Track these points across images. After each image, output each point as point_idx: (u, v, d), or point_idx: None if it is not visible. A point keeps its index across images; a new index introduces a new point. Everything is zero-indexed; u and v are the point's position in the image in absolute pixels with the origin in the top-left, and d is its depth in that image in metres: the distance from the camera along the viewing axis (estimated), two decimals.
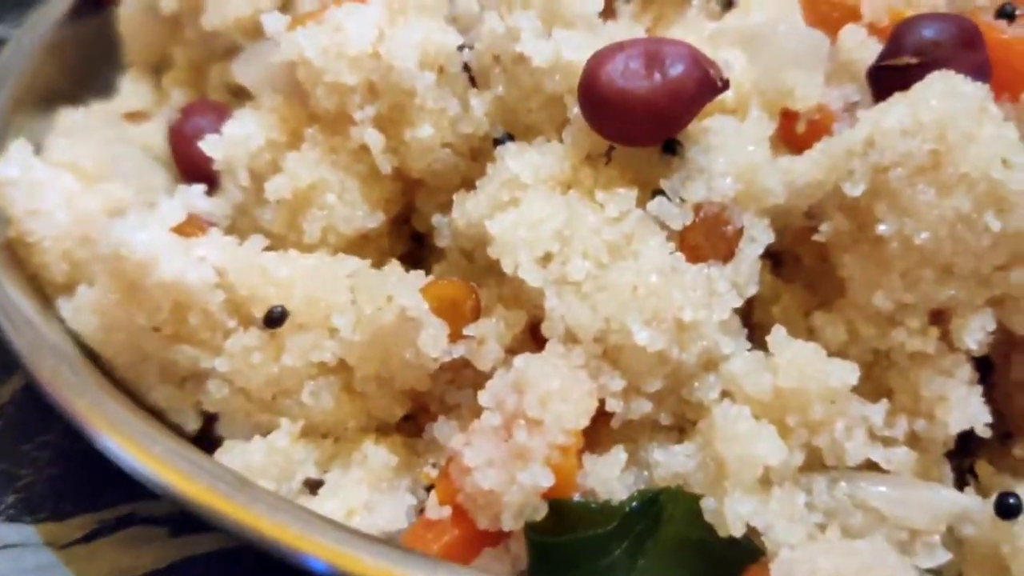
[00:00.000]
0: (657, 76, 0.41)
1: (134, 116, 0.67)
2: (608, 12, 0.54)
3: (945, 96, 0.41)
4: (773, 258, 0.50)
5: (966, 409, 0.43)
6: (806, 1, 0.52)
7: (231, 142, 0.49)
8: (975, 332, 0.42)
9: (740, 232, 0.43)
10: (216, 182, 0.53)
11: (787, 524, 0.40)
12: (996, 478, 0.46)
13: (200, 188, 0.49)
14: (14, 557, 0.48)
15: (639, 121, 0.41)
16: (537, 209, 0.42)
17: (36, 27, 0.74)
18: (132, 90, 0.72)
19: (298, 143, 0.50)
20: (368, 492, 0.44)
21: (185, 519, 0.48)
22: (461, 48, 0.49)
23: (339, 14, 0.49)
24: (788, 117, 0.48)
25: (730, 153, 0.43)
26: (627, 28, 0.50)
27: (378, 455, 0.46)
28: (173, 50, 0.69)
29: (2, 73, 0.70)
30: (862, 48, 0.49)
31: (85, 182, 0.52)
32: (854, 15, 0.51)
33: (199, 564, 0.48)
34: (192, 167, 0.53)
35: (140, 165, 0.56)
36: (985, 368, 0.49)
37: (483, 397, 0.41)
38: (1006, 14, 0.51)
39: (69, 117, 0.64)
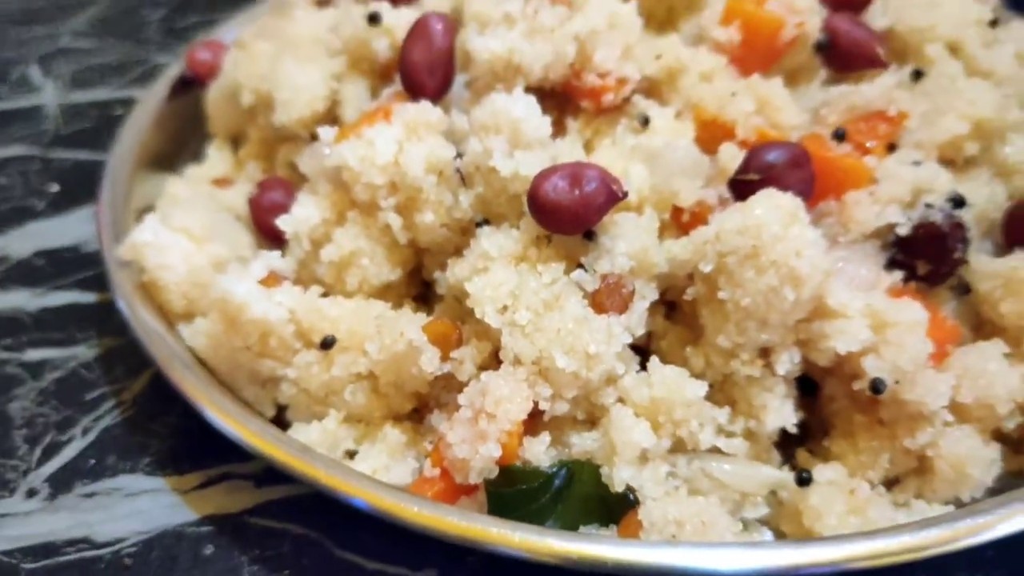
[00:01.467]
0: (577, 192, 0.59)
1: (220, 182, 0.85)
2: (560, 127, 0.74)
3: (766, 207, 0.59)
4: (669, 306, 0.70)
5: (780, 414, 0.60)
6: (699, 123, 0.70)
7: (297, 220, 0.68)
8: (785, 363, 0.60)
9: (633, 293, 0.62)
10: (284, 242, 0.73)
11: (653, 485, 0.58)
12: (810, 461, 0.65)
13: (277, 253, 0.68)
14: (153, 498, 0.66)
15: (565, 221, 0.60)
16: (499, 276, 0.60)
17: (146, 104, 0.93)
18: (216, 157, 0.90)
19: (343, 221, 0.68)
20: (387, 459, 0.62)
21: (265, 475, 0.67)
22: (455, 157, 0.67)
23: (371, 132, 0.67)
24: (678, 210, 0.67)
25: (629, 239, 0.61)
26: (570, 144, 0.68)
27: (394, 435, 0.64)
28: (248, 129, 0.87)
29: (127, 141, 0.88)
30: (733, 160, 0.67)
31: (196, 243, 0.71)
32: (732, 134, 0.69)
33: (275, 505, 0.65)
34: (268, 231, 0.72)
35: (231, 228, 0.74)
36: (814, 386, 0.69)
37: (461, 398, 0.59)
38: (838, 136, 0.70)
39: (175, 186, 0.82)
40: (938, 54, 0.76)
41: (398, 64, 0.72)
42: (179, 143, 0.93)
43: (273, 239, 0.73)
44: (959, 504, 0.62)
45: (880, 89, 0.70)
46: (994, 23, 0.80)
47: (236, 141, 0.91)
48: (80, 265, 0.86)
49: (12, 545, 0.64)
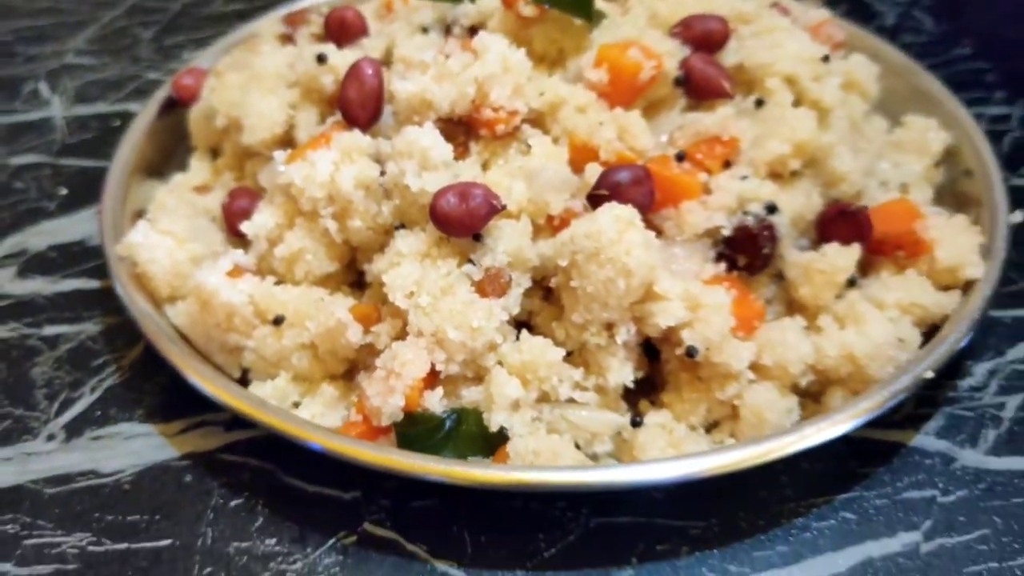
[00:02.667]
0: (464, 206, 0.78)
1: (200, 188, 1.01)
2: (465, 149, 0.91)
3: (608, 217, 0.76)
4: (546, 289, 0.88)
5: (620, 373, 0.78)
6: (572, 147, 0.84)
7: (257, 225, 0.84)
8: (623, 335, 0.77)
9: (510, 282, 0.79)
10: (248, 241, 0.91)
11: (521, 427, 0.75)
12: (649, 409, 0.83)
13: (241, 251, 0.85)
14: (145, 440, 0.81)
15: (456, 228, 0.76)
16: (407, 269, 0.77)
17: (140, 120, 1.08)
18: (197, 166, 1.05)
19: (292, 226, 0.83)
20: (323, 408, 0.79)
21: (232, 422, 0.82)
22: (380, 175, 0.84)
23: (314, 155, 0.82)
24: (550, 216, 0.85)
25: (507, 241, 0.77)
26: (471, 164, 0.84)
27: (329, 390, 0.79)
28: (223, 144, 1.03)
29: (124, 152, 1.03)
30: (595, 177, 0.86)
31: (178, 243, 0.86)
32: (597, 155, 0.84)
33: (239, 445, 0.80)
34: (236, 232, 0.88)
35: (207, 230, 0.90)
36: (656, 351, 0.87)
37: (377, 361, 0.75)
38: (678, 157, 0.88)
39: (163, 194, 0.98)
40: (776, 86, 0.93)
41: (338, 98, 0.90)
42: (167, 154, 1.08)
43: (239, 238, 0.89)
44: None
45: (717, 119, 0.88)
46: (826, 59, 0.98)
47: (214, 153, 1.07)
48: (86, 257, 1.03)
49: (38, 476, 0.82)
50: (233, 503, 0.78)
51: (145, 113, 1.11)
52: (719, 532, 0.77)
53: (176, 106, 1.12)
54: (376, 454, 0.74)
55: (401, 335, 0.78)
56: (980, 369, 0.91)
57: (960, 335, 0.82)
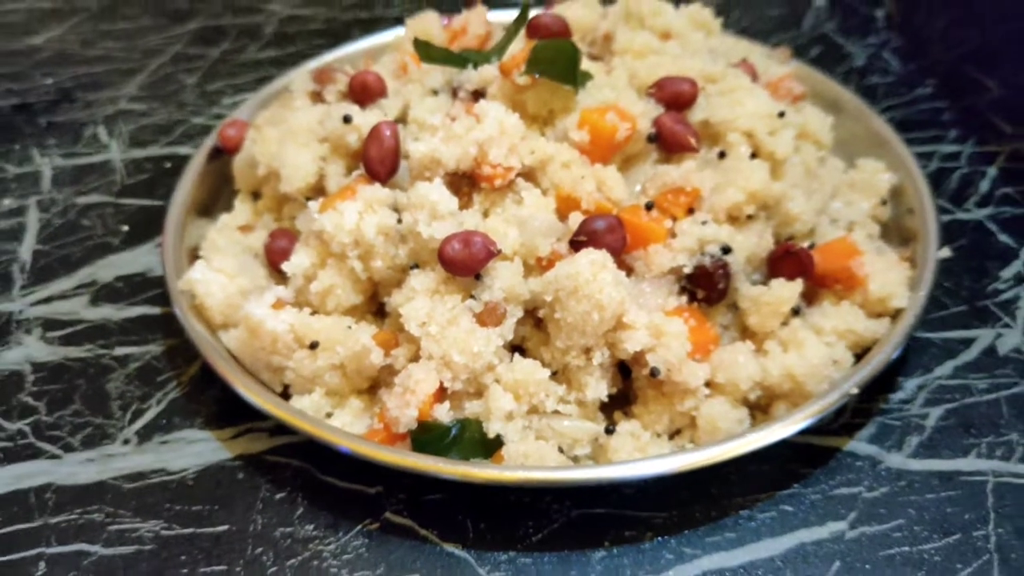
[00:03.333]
0: (467, 250, 0.94)
1: (244, 228, 1.16)
2: (469, 200, 1.07)
3: (585, 260, 0.91)
4: (535, 320, 1.05)
5: (596, 389, 0.94)
6: (558, 198, 1.01)
7: (295, 264, 1.00)
8: (598, 358, 0.93)
9: (505, 313, 0.96)
10: (287, 277, 1.09)
11: (514, 434, 0.90)
12: (622, 419, 1.00)
13: (282, 287, 1.02)
14: (204, 444, 0.92)
15: (460, 269, 0.92)
16: (420, 303, 0.92)
17: (192, 165, 1.24)
18: (241, 208, 1.19)
19: (325, 265, 0.93)
20: (351, 419, 0.93)
21: (276, 429, 0.93)
22: (397, 222, 1.03)
23: (342, 206, 1.00)
24: (539, 258, 1.02)
25: (503, 279, 0.93)
26: (473, 213, 1.00)
27: (356, 403, 0.90)
28: (264, 189, 1.20)
29: (180, 194, 1.19)
30: (577, 225, 1.03)
31: (229, 278, 1.01)
32: (579, 205, 1.01)
33: (282, 448, 0.91)
34: (277, 269, 1.04)
35: (252, 266, 1.05)
36: (629, 370, 1.03)
37: (396, 379, 0.86)
38: (648, 207, 1.04)
39: (214, 234, 1.14)
40: (736, 140, 1.09)
41: (361, 154, 1.07)
42: (215, 196, 1.24)
43: (280, 274, 1.06)
44: None
45: (682, 172, 1.03)
46: (782, 114, 1.13)
47: (256, 196, 1.24)
48: (148, 287, 1.19)
49: (117, 473, 0.97)
50: (278, 496, 0.91)
51: (195, 159, 1.27)
52: (678, 521, 0.92)
53: (221, 153, 1.28)
54: (395, 456, 0.84)
55: (415, 358, 0.89)
56: (910, 384, 1.06)
57: (886, 356, 0.97)
